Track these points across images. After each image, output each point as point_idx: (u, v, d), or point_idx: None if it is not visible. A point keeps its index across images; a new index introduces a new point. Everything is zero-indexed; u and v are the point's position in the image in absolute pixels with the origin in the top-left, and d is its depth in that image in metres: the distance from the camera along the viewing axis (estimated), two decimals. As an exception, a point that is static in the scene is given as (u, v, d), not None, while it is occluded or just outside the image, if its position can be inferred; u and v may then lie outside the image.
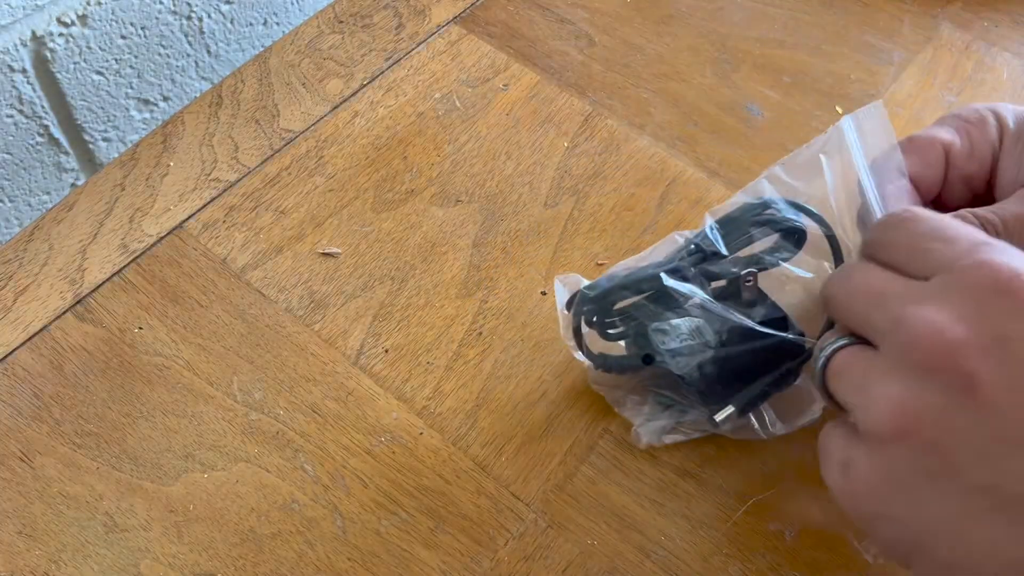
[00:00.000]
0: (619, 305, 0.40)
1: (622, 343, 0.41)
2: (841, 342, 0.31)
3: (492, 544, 0.39)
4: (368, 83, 0.54)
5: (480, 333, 0.45)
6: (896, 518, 0.27)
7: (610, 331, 0.40)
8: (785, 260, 0.39)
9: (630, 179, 0.50)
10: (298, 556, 0.39)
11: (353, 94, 0.54)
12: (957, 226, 0.29)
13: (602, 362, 0.41)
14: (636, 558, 0.39)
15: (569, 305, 0.40)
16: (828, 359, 0.31)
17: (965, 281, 0.27)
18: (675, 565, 0.38)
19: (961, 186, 0.37)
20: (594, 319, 0.40)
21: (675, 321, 0.39)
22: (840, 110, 0.53)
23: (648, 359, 0.39)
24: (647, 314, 0.39)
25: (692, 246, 0.39)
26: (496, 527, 0.40)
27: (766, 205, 0.39)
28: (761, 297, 0.39)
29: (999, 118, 0.36)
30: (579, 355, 0.41)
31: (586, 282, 0.40)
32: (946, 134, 0.36)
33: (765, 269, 0.39)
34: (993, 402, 0.24)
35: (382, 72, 0.55)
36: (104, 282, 0.46)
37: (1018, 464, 0.24)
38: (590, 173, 0.50)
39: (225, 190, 0.50)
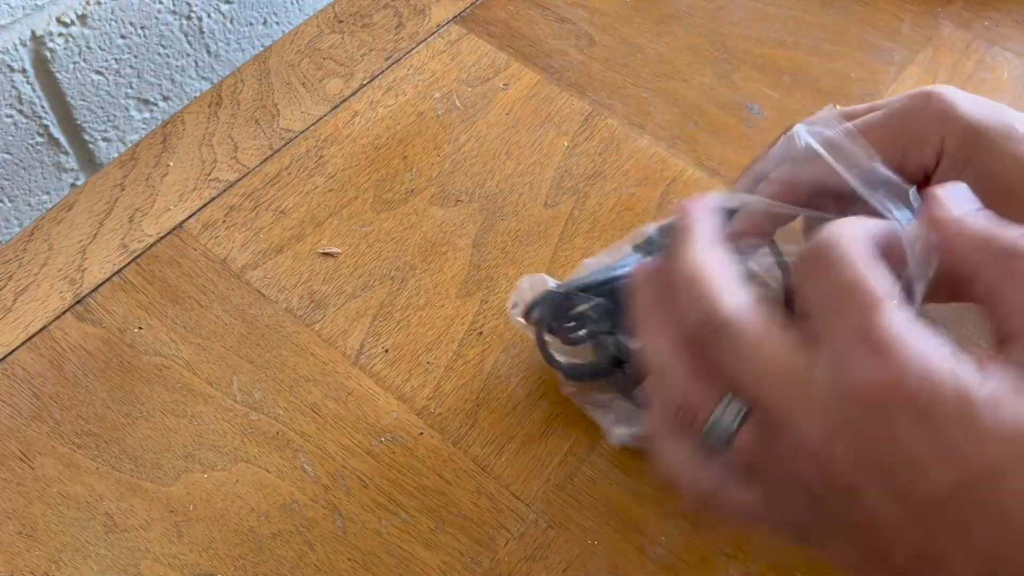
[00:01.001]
0: (580, 308, 0.38)
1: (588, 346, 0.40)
2: (739, 414, 0.28)
3: (492, 544, 0.39)
4: (368, 83, 0.54)
5: (480, 333, 0.45)
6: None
7: (571, 335, 0.39)
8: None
9: (630, 179, 0.50)
10: (298, 556, 0.39)
11: (353, 94, 0.54)
12: (860, 288, 0.26)
13: (572, 371, 0.40)
14: (636, 558, 0.39)
15: (530, 311, 0.39)
16: (723, 434, 0.29)
17: (845, 382, 0.26)
18: (675, 565, 0.38)
19: None
20: (552, 324, 0.38)
21: None
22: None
23: (617, 362, 0.38)
24: (607, 314, 0.38)
25: (650, 240, 0.38)
26: (496, 527, 0.39)
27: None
28: None
29: (944, 135, 0.34)
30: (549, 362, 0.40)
31: (553, 283, 0.38)
32: (879, 144, 0.34)
33: None
34: (870, 510, 0.26)
35: (382, 72, 0.55)
36: (104, 282, 0.46)
37: (897, 552, 0.26)
38: (590, 173, 0.50)
39: (225, 190, 0.49)
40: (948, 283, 0.28)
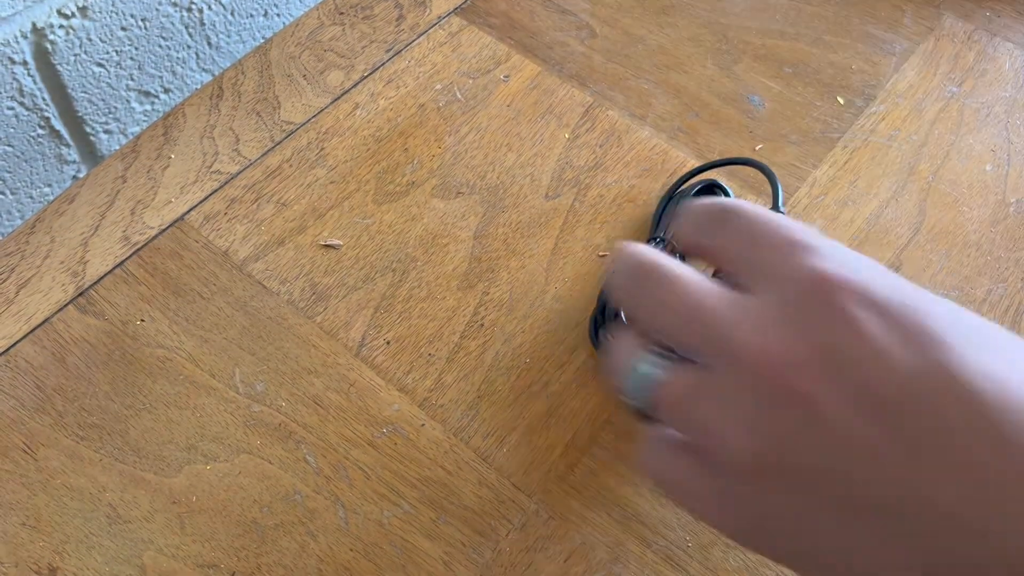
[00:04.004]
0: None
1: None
2: (657, 361, 0.29)
3: (494, 535, 0.39)
4: (369, 75, 0.54)
5: (482, 325, 0.45)
6: (772, 538, 0.27)
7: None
8: None
9: (631, 170, 0.50)
10: (300, 547, 0.39)
11: (354, 86, 0.54)
12: (779, 226, 0.27)
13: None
14: (637, 549, 0.39)
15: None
16: (648, 382, 0.29)
17: (790, 296, 0.26)
18: (676, 555, 0.39)
19: None
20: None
21: None
22: (841, 101, 0.53)
23: None
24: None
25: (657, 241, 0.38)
26: (498, 518, 0.40)
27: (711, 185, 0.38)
28: None
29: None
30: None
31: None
32: None
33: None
34: (832, 418, 0.25)
35: (383, 64, 0.55)
36: (106, 274, 0.46)
37: (866, 473, 0.25)
38: (591, 164, 0.50)
39: (226, 182, 0.50)
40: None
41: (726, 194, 0.46)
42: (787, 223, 0.28)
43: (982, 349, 0.25)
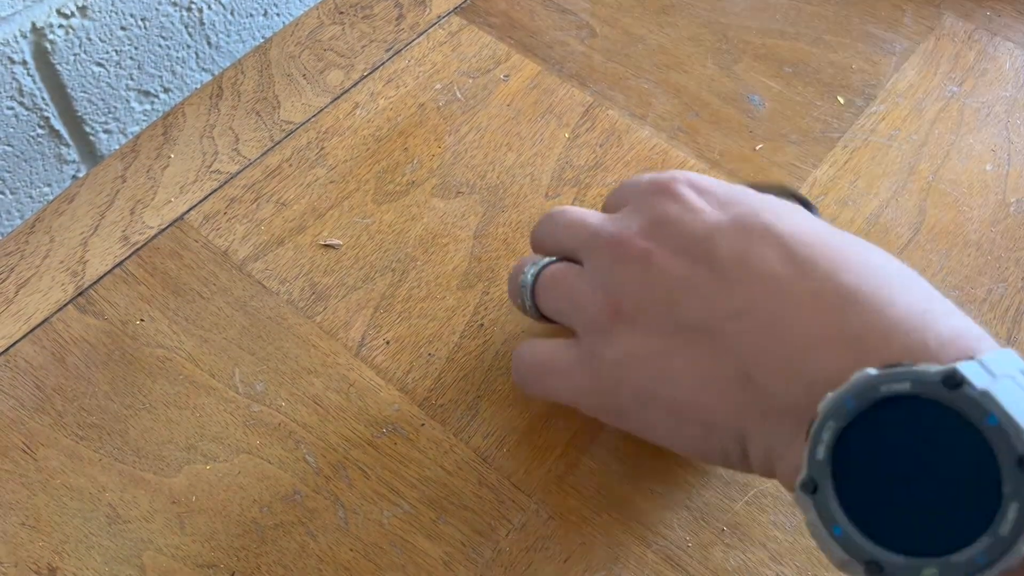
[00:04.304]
0: None
1: None
2: (546, 260, 0.38)
3: (494, 535, 0.39)
4: (369, 74, 0.54)
5: (482, 325, 0.45)
6: (627, 385, 0.34)
7: None
8: None
9: (631, 170, 0.50)
10: (300, 547, 0.39)
11: (354, 85, 0.53)
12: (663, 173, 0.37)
13: None
14: (638, 549, 0.39)
15: None
16: (536, 276, 0.38)
17: (640, 199, 0.36)
18: (676, 556, 0.39)
19: None
20: None
21: None
22: (842, 100, 0.53)
23: None
24: None
25: None
26: (498, 518, 0.40)
27: None
28: None
29: None
30: None
31: None
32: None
33: None
34: (661, 263, 0.33)
35: (383, 63, 0.55)
36: (105, 274, 0.46)
37: (690, 301, 0.31)
38: (591, 164, 0.50)
39: (226, 182, 0.49)
40: None
41: (805, 204, 0.42)
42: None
43: (781, 215, 0.32)
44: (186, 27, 0.61)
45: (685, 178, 0.35)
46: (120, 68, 0.59)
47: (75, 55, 0.56)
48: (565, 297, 0.36)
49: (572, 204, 0.49)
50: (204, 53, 0.63)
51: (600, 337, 0.34)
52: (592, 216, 0.37)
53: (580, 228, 0.37)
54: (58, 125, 0.58)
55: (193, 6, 0.60)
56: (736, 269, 0.31)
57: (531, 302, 0.38)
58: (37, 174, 0.59)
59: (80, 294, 0.45)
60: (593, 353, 0.34)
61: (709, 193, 0.34)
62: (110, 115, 0.60)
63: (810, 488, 0.27)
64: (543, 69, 0.54)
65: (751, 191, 0.34)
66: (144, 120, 0.63)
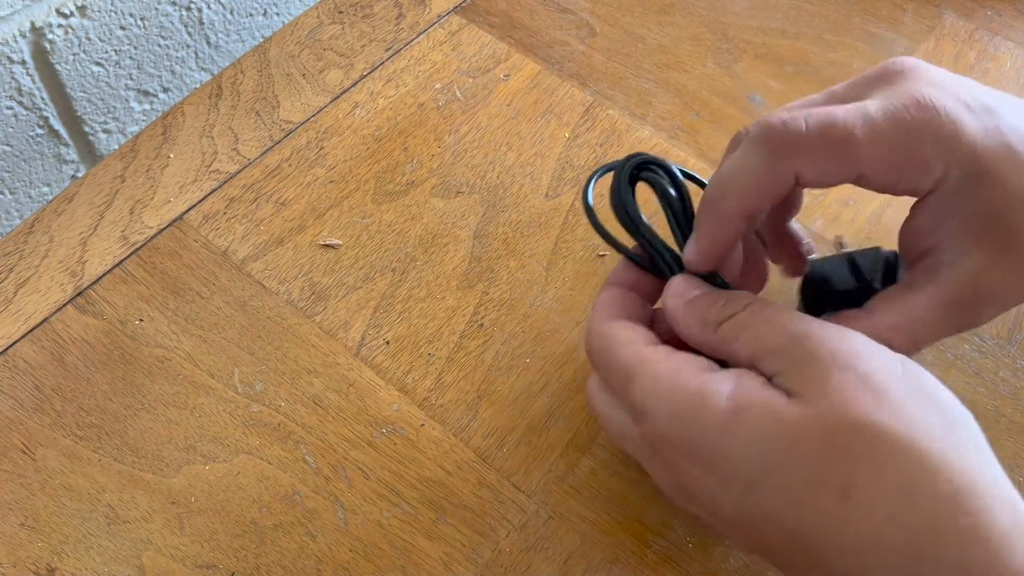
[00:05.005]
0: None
1: None
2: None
3: (494, 535, 0.39)
4: (368, 74, 0.54)
5: (481, 325, 0.45)
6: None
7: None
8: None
9: (631, 170, 0.50)
10: (300, 547, 0.39)
11: (353, 85, 0.53)
12: (619, 358, 0.33)
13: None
14: (638, 549, 0.39)
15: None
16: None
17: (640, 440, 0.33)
18: (676, 556, 0.38)
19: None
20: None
21: None
22: (842, 100, 0.53)
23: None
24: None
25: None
26: (498, 518, 0.40)
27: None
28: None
29: (948, 164, 0.32)
30: None
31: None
32: (872, 164, 0.32)
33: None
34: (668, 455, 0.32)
35: (382, 63, 0.54)
36: (105, 274, 0.46)
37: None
38: (591, 164, 0.50)
39: (225, 181, 0.49)
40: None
41: (667, 172, 0.39)
42: (617, 362, 0.34)
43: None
44: (185, 27, 0.61)
45: (670, 439, 0.32)
46: (119, 68, 0.59)
47: (74, 55, 0.56)
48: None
49: (572, 205, 0.49)
50: (203, 53, 0.63)
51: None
52: (614, 412, 0.35)
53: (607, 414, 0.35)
54: (57, 125, 0.58)
55: (192, 6, 0.60)
56: (757, 538, 0.31)
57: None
58: (36, 174, 0.59)
59: (79, 294, 0.45)
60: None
61: (704, 454, 0.31)
62: (109, 115, 0.60)
63: None
64: (543, 69, 0.54)
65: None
66: (143, 120, 0.63)
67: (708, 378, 0.31)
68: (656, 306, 0.37)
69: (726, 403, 0.30)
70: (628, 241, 0.38)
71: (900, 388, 0.28)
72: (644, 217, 0.37)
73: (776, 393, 0.29)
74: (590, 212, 0.39)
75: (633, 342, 0.33)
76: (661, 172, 0.37)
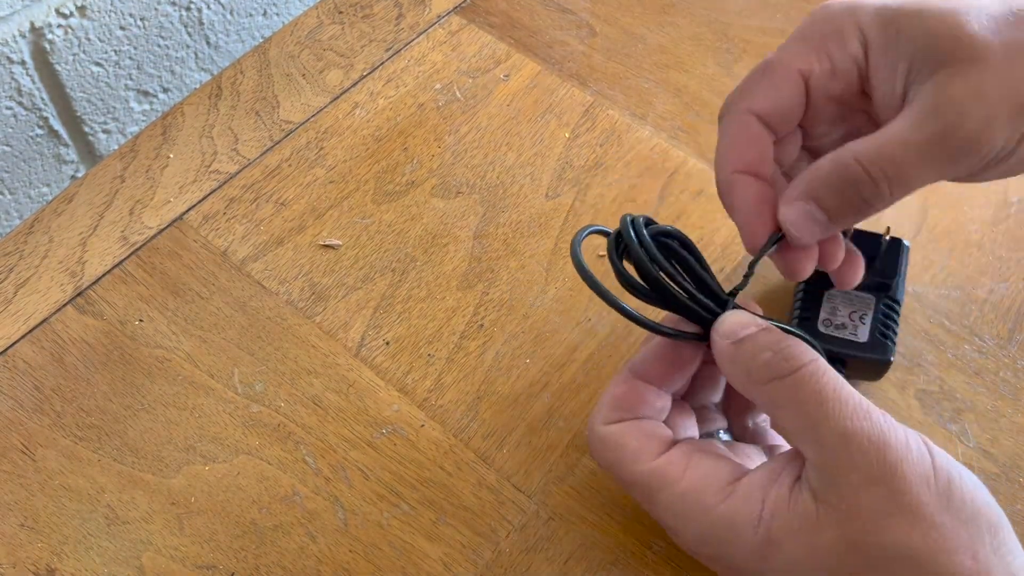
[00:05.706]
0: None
1: None
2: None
3: (494, 536, 0.39)
4: (368, 74, 0.54)
5: (481, 325, 0.45)
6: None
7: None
8: None
9: (632, 170, 0.50)
10: (300, 548, 0.39)
11: (353, 85, 0.53)
12: (632, 483, 0.34)
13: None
14: (638, 550, 0.39)
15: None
16: None
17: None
18: (677, 557, 0.38)
19: (830, 106, 0.35)
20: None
21: None
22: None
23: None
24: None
25: None
26: (498, 519, 0.40)
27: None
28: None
29: (860, 26, 0.34)
30: None
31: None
32: (802, 59, 0.35)
33: None
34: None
35: (382, 63, 0.54)
36: (104, 274, 0.46)
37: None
38: (591, 164, 0.50)
39: (225, 182, 0.49)
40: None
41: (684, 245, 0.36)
42: (633, 477, 0.34)
43: None
44: (185, 27, 0.61)
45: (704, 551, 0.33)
46: (119, 68, 0.59)
47: (74, 55, 0.56)
48: None
49: (572, 205, 0.49)
50: (203, 53, 0.63)
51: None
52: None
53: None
54: (57, 125, 0.58)
55: (192, 6, 0.60)
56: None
57: None
58: (36, 174, 0.59)
59: (79, 294, 0.45)
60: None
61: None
62: (109, 115, 0.60)
63: None
64: (543, 69, 0.54)
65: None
66: (143, 120, 0.63)
67: (736, 504, 0.31)
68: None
69: (757, 534, 0.30)
70: (629, 299, 0.35)
71: (931, 503, 0.29)
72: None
73: (808, 511, 0.30)
74: (590, 278, 0.35)
75: (642, 456, 0.34)
76: (674, 240, 0.35)
